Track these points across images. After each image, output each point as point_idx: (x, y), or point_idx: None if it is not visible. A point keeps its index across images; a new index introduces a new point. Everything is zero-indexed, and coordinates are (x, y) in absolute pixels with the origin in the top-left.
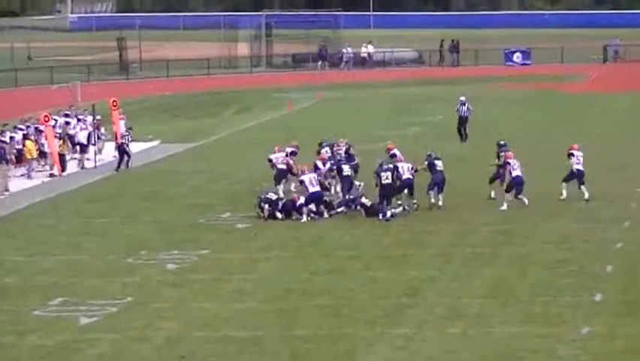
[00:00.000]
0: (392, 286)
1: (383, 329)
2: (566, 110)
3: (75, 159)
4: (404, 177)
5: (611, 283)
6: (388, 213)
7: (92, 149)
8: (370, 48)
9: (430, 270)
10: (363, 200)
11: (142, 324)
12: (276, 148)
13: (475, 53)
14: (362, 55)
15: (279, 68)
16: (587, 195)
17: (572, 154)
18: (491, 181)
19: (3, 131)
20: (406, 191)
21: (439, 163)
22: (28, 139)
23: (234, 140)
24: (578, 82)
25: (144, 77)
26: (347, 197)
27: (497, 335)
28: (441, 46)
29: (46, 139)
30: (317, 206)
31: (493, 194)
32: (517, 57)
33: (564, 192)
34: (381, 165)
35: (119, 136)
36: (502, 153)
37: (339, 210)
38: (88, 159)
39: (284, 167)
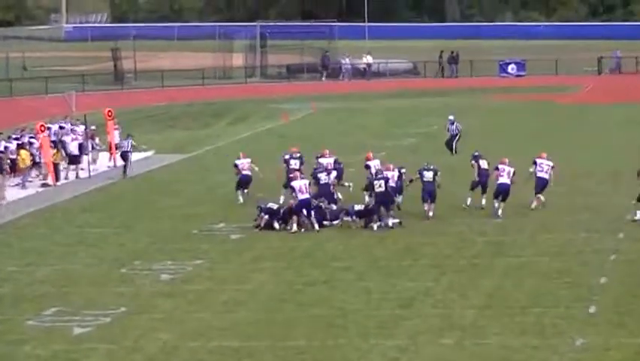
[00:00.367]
0: (386, 297)
1: (377, 340)
2: (560, 121)
3: (66, 169)
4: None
5: (605, 295)
6: (390, 222)
7: (85, 159)
8: (369, 59)
9: (424, 281)
10: (357, 207)
11: (136, 334)
12: (242, 154)
13: (469, 64)
14: (362, 66)
15: (273, 78)
16: (542, 199)
17: (535, 162)
18: (472, 188)
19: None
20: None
21: (427, 174)
22: (23, 148)
23: (229, 150)
24: (572, 93)
25: (139, 87)
26: (340, 208)
27: (492, 346)
28: (440, 57)
29: (41, 148)
30: (307, 213)
31: (469, 201)
32: (511, 68)
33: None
34: (375, 174)
35: (113, 146)
36: (474, 162)
37: (335, 223)
38: (82, 169)
39: (249, 173)
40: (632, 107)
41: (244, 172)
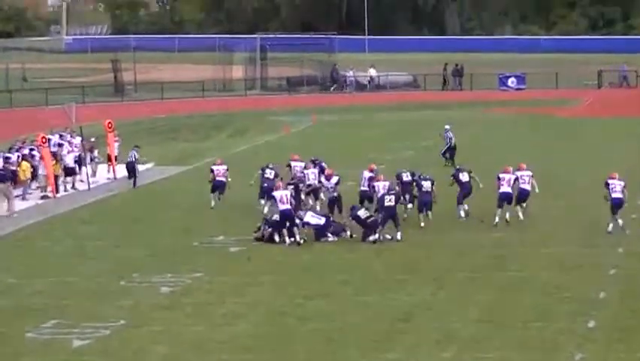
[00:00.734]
0: (385, 311)
1: (376, 354)
2: (559, 135)
3: (64, 182)
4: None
5: (605, 310)
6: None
7: (83, 170)
8: (373, 72)
9: (423, 294)
10: (361, 214)
11: (135, 347)
12: (219, 160)
13: (470, 78)
14: (366, 78)
15: (273, 90)
16: (521, 216)
17: (516, 175)
18: (459, 202)
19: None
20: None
21: (425, 184)
22: (24, 160)
23: (229, 162)
24: (572, 107)
25: (139, 98)
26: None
27: (491, 360)
28: (444, 69)
29: (42, 160)
30: (290, 225)
31: (462, 213)
32: (511, 82)
33: (520, 215)
34: (388, 190)
35: (113, 158)
36: (452, 178)
37: (330, 239)
38: (81, 181)
39: (223, 179)
40: (631, 121)
41: (218, 178)
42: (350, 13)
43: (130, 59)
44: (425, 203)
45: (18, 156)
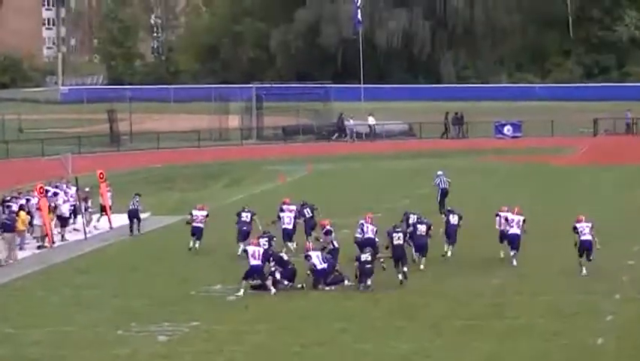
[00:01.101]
0: (383, 359)
1: None
2: (553, 183)
3: (60, 233)
4: (367, 236)
5: (603, 357)
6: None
7: (79, 219)
8: (372, 120)
9: (420, 341)
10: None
11: None
12: (199, 206)
13: (465, 126)
14: (365, 127)
15: (269, 140)
16: (514, 262)
17: (498, 215)
18: (452, 242)
19: (4, 201)
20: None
21: (420, 228)
22: (22, 210)
23: (225, 212)
24: (567, 155)
25: (135, 148)
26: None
27: None
28: (445, 118)
29: (40, 210)
30: (261, 279)
31: (449, 253)
32: (507, 130)
33: (502, 253)
34: (394, 227)
35: (107, 208)
36: (444, 217)
37: (327, 288)
38: (77, 230)
39: (200, 225)
40: (626, 169)
41: (195, 224)
42: (345, 63)
43: (126, 109)
44: (421, 246)
45: (19, 206)
